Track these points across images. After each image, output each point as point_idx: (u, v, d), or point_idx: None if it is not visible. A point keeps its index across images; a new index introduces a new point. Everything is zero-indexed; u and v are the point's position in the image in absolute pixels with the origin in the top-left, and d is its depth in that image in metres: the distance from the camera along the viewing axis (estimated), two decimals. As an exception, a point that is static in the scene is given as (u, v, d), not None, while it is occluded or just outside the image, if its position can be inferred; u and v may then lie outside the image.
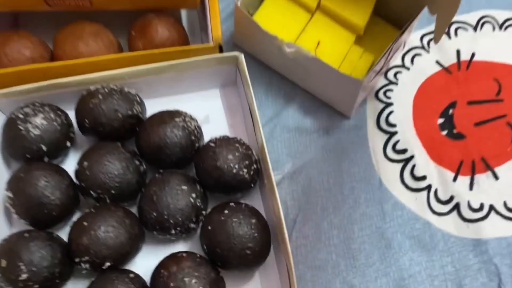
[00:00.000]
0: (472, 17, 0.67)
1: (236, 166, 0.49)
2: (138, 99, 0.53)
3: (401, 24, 0.60)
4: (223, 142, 0.50)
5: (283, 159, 0.58)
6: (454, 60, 0.64)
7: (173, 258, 0.46)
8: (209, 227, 0.47)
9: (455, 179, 0.57)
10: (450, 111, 0.61)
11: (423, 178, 0.57)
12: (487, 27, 0.67)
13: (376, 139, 0.59)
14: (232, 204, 0.49)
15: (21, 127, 0.49)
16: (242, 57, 0.54)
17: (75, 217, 0.49)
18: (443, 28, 0.55)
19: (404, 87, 0.63)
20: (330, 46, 0.59)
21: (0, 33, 0.55)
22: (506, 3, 0.68)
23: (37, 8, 0.54)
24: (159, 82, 0.56)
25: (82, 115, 0.51)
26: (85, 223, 0.46)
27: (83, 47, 0.54)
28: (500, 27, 0.66)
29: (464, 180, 0.57)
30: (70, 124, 0.53)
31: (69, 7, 0.54)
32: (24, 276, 0.43)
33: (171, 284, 0.44)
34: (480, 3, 0.68)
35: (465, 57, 0.64)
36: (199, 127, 0.53)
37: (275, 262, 0.51)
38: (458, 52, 0.65)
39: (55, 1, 0.53)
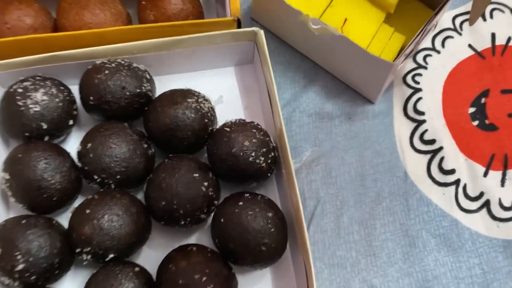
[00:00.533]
0: (510, -2, 0.63)
1: (253, 154, 0.45)
2: (147, 75, 0.50)
3: (432, 3, 0.57)
4: (239, 126, 0.47)
5: (301, 147, 0.54)
6: (489, 45, 0.61)
7: (182, 252, 0.43)
8: (222, 220, 0.44)
9: (485, 174, 0.54)
10: (482, 100, 0.58)
11: (452, 171, 0.54)
12: (526, 9, 0.63)
13: (403, 127, 0.56)
14: (247, 195, 0.45)
15: (20, 103, 0.46)
16: (261, 33, 0.51)
17: (76, 203, 0.46)
18: (481, 8, 0.52)
19: (434, 71, 0.59)
20: (358, 24, 0.55)
21: (-1, -2, 0.52)
22: (548, -17, 0.63)
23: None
24: (171, 58, 0.53)
25: (87, 92, 0.48)
26: (88, 211, 0.43)
27: (89, 17, 0.52)
28: (541, 9, 0.63)
29: (495, 175, 0.54)
30: (73, 101, 0.50)
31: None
32: (20, 266, 0.41)
33: (180, 281, 0.41)
34: (520, -17, 0.64)
35: (500, 41, 0.61)
36: (213, 109, 0.50)
37: (290, 258, 0.48)
38: (493, 36, 0.61)
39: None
